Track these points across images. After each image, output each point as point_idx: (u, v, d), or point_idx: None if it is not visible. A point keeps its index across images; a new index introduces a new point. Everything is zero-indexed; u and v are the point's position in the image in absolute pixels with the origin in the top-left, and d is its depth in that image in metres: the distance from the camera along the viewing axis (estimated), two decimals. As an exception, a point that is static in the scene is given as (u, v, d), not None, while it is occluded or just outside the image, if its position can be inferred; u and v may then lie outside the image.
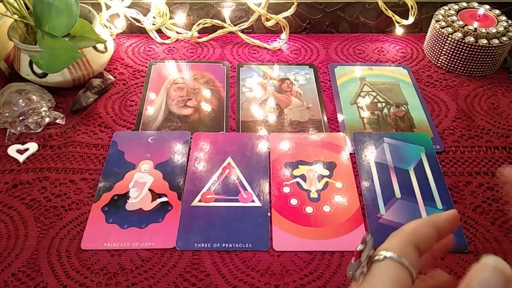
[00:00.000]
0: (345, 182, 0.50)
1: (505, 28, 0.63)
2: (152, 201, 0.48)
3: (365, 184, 0.50)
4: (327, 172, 0.51)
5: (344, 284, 0.41)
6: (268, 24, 0.70)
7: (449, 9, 0.67)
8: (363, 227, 0.46)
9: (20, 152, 0.53)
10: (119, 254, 0.44)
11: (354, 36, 0.73)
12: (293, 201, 0.48)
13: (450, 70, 0.66)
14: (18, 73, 0.60)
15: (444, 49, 0.65)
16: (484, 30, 0.62)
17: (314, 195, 0.49)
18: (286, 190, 0.49)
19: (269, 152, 0.53)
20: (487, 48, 0.61)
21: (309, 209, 0.47)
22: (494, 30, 0.62)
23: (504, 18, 0.65)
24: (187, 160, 0.52)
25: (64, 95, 0.61)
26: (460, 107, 0.60)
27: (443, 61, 0.66)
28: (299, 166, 0.52)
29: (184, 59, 0.68)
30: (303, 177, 0.50)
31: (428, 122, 0.58)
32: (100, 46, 0.61)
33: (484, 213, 0.48)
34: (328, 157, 0.53)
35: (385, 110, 0.59)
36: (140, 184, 0.50)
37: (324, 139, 0.54)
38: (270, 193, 0.49)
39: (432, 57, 0.68)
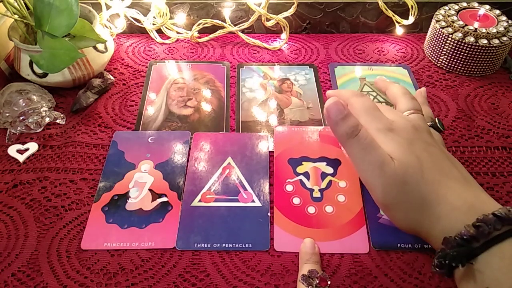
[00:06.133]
0: (348, 181, 0.49)
1: (505, 28, 0.63)
2: (152, 201, 0.48)
3: (365, 184, 0.50)
4: (331, 170, 0.50)
5: (343, 284, 0.41)
6: (268, 24, 0.70)
7: (449, 9, 0.67)
8: (365, 229, 0.45)
9: (20, 152, 0.54)
10: (119, 254, 0.44)
11: (354, 36, 0.73)
12: (296, 201, 0.47)
13: (450, 70, 0.66)
14: (18, 73, 0.60)
15: (444, 49, 0.65)
16: (484, 30, 0.62)
17: (317, 194, 0.48)
18: (289, 188, 0.48)
19: (273, 146, 0.53)
20: (487, 48, 0.61)
21: (311, 209, 0.47)
22: (494, 30, 0.62)
23: (504, 18, 0.65)
24: (187, 160, 0.52)
25: (64, 95, 0.62)
26: (460, 107, 0.60)
27: (443, 61, 0.66)
28: (303, 162, 0.50)
29: (184, 59, 0.68)
30: (306, 174, 0.49)
31: (428, 122, 0.58)
32: (100, 46, 0.61)
33: (484, 213, 0.47)
34: (333, 153, 0.51)
35: (385, 110, 0.59)
36: (140, 184, 0.50)
37: (331, 134, 0.52)
38: (270, 193, 0.49)
39: (432, 57, 0.68)
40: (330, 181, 0.49)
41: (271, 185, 0.50)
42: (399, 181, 0.35)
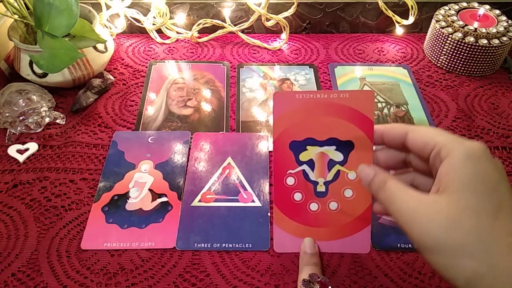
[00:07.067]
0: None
1: (505, 28, 0.63)
2: (152, 201, 0.48)
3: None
4: (340, 157, 0.40)
5: (343, 284, 0.41)
6: (268, 24, 0.70)
7: (449, 9, 0.67)
8: (369, 229, 0.42)
9: (20, 152, 0.54)
10: (119, 254, 0.44)
11: (354, 36, 0.73)
12: (297, 196, 0.41)
13: (450, 70, 0.66)
14: (18, 73, 0.60)
15: (444, 49, 0.65)
16: (484, 30, 0.62)
17: (321, 188, 0.41)
18: (290, 181, 0.41)
19: (272, 122, 0.42)
20: (487, 48, 0.61)
21: (313, 206, 0.42)
22: (494, 30, 0.62)
23: (504, 18, 0.65)
24: (187, 160, 0.52)
25: (64, 95, 0.61)
26: (460, 107, 0.60)
27: (443, 61, 0.66)
28: (308, 147, 0.41)
29: (184, 59, 0.68)
30: (311, 163, 0.41)
31: (428, 122, 0.58)
32: (100, 46, 0.61)
33: (484, 213, 0.47)
34: (345, 132, 0.39)
35: (385, 110, 0.59)
36: (140, 184, 0.50)
37: (345, 102, 0.39)
38: (270, 193, 0.49)
39: (432, 57, 0.68)
40: (338, 171, 0.41)
41: (271, 185, 0.50)
42: (445, 220, 0.27)
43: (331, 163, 0.41)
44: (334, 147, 0.40)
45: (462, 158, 0.28)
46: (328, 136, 0.40)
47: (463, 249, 0.26)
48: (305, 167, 0.41)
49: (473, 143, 0.29)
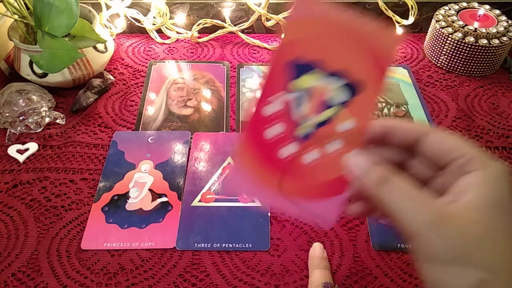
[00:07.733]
0: (360, 121, 0.30)
1: (505, 28, 0.63)
2: (152, 201, 0.48)
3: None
4: (343, 97, 0.31)
5: (344, 284, 0.41)
6: (268, 24, 0.70)
7: (449, 9, 0.67)
8: (343, 198, 0.31)
9: (20, 152, 0.54)
10: (119, 254, 0.44)
11: (354, 36, 0.73)
12: (275, 130, 0.31)
13: (450, 70, 0.66)
14: (18, 73, 0.60)
15: (444, 49, 0.65)
16: (484, 30, 0.62)
17: (305, 129, 0.31)
18: (272, 109, 0.31)
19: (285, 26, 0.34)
20: (487, 48, 0.61)
21: (288, 149, 0.31)
22: (494, 30, 0.62)
23: (504, 18, 0.65)
24: (187, 160, 0.52)
25: (64, 95, 0.61)
26: (460, 107, 0.60)
27: (443, 61, 0.66)
28: (310, 72, 0.31)
29: (184, 59, 0.68)
30: (304, 94, 0.31)
31: (428, 122, 0.58)
32: (100, 46, 0.61)
33: (484, 213, 0.47)
34: (361, 68, 0.30)
35: (385, 110, 0.59)
36: (140, 184, 0.50)
37: (370, 36, 0.29)
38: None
39: (432, 57, 0.68)
40: (334, 115, 0.31)
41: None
42: (477, 236, 0.25)
43: (329, 102, 0.31)
44: (343, 81, 0.31)
45: (497, 175, 0.27)
46: (340, 67, 0.31)
47: (500, 274, 0.24)
48: (296, 95, 0.32)
49: (497, 162, 0.27)
